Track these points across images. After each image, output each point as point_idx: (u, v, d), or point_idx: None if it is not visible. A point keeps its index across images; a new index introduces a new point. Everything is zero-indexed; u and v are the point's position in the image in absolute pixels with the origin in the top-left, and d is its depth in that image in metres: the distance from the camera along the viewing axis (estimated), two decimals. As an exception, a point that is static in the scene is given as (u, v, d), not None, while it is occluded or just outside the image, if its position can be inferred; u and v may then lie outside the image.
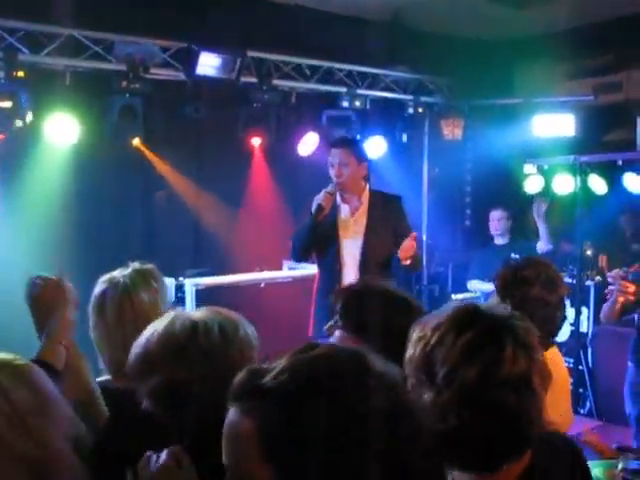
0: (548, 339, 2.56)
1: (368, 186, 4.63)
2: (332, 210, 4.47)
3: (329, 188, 4.42)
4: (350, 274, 4.41)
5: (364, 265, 4.45)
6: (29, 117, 4.89)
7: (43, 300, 1.94)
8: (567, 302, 6.38)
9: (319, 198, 4.40)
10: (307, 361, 1.07)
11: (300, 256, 4.59)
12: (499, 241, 6.60)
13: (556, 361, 2.68)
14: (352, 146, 4.62)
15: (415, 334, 1.40)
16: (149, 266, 2.26)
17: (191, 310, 1.75)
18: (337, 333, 2.14)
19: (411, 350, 1.39)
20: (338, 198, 4.52)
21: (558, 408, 2.35)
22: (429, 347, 1.35)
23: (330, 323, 2.21)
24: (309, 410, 1.02)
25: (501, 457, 1.34)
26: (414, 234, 4.34)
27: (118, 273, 2.22)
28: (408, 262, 4.29)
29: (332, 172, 4.45)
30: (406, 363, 1.39)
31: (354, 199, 4.55)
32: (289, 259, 6.18)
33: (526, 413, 1.31)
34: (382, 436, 1.03)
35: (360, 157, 4.56)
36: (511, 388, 1.29)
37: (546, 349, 2.29)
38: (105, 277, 2.24)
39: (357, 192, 4.55)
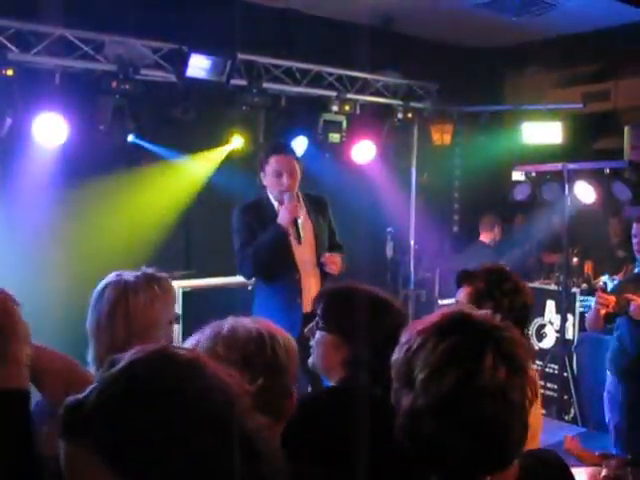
0: None
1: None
2: (273, 215, 4.32)
3: (289, 198, 4.26)
4: (309, 281, 4.32)
5: (321, 270, 4.37)
6: (17, 116, 4.89)
7: None
8: (553, 309, 6.55)
9: (289, 211, 4.22)
10: (113, 376, 1.08)
11: (261, 272, 4.34)
12: None
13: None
14: (294, 152, 4.55)
15: (402, 338, 1.38)
16: (159, 273, 2.26)
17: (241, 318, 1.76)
18: (318, 335, 2.20)
19: (395, 354, 1.37)
20: (276, 205, 4.36)
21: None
22: (411, 351, 1.32)
23: (310, 325, 2.26)
24: (120, 419, 1.03)
25: (479, 469, 1.30)
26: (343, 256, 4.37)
27: (127, 273, 2.24)
28: (333, 272, 4.30)
29: (281, 180, 4.27)
30: (392, 367, 1.38)
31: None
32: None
33: (504, 425, 1.27)
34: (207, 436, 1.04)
35: (299, 160, 4.46)
36: (489, 399, 1.26)
37: None
38: (114, 273, 2.25)
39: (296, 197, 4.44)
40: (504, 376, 1.27)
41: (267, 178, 4.34)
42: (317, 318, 2.23)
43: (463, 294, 2.61)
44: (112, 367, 1.10)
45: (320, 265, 4.37)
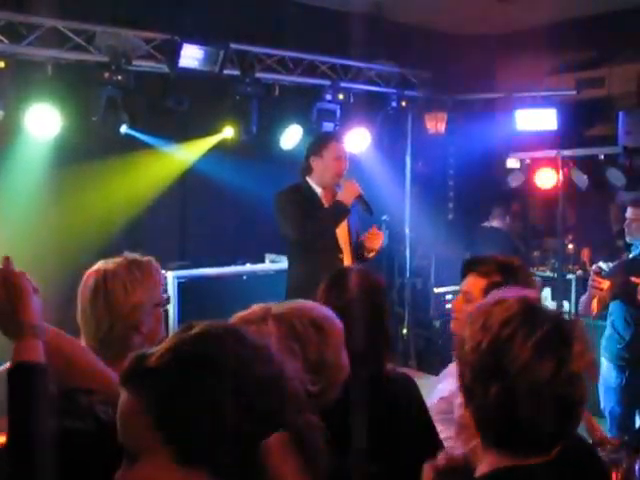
0: None
1: None
2: (317, 200, 4.54)
3: (348, 180, 4.51)
4: (348, 261, 4.51)
5: (354, 251, 4.59)
6: (10, 109, 4.89)
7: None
8: (548, 295, 6.56)
9: (352, 190, 4.44)
10: (187, 338, 1.17)
11: (311, 247, 4.45)
12: None
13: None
14: None
15: (477, 326, 1.46)
16: (141, 257, 2.24)
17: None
18: None
19: (473, 341, 1.45)
20: (318, 189, 4.58)
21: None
22: (500, 342, 1.42)
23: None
24: (192, 380, 1.12)
25: (553, 441, 1.45)
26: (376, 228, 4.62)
27: (109, 261, 2.21)
28: (371, 255, 4.55)
29: (341, 164, 4.53)
30: (466, 352, 1.46)
31: (332, 189, 4.65)
32: (271, 252, 6.27)
33: (581, 403, 1.44)
34: (264, 401, 1.14)
35: None
36: (578, 380, 1.42)
37: None
38: (96, 264, 2.24)
39: None
40: (589, 359, 1.44)
41: (322, 162, 4.53)
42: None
43: (475, 286, 2.58)
44: (187, 331, 1.19)
45: (354, 246, 4.58)
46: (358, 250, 4.61)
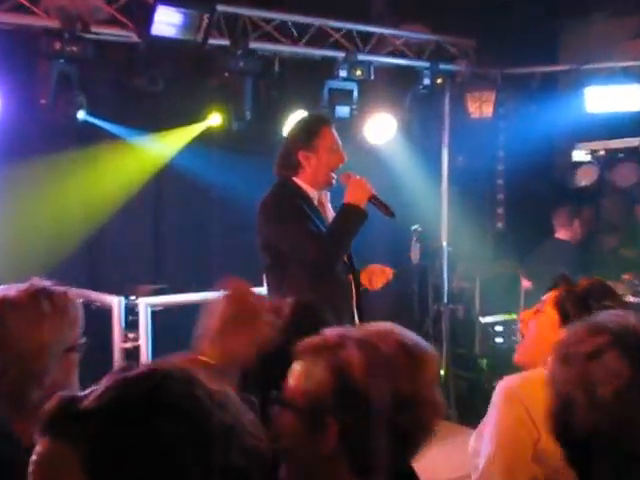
0: None
1: None
2: (315, 207, 4.42)
3: (345, 174, 4.39)
4: (352, 283, 4.46)
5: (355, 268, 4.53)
6: None
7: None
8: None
9: (362, 188, 4.31)
10: (131, 378, 1.22)
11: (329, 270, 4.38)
12: None
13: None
14: None
15: (570, 349, 1.63)
16: (53, 286, 2.21)
17: None
18: None
19: (563, 366, 1.62)
20: (312, 191, 4.43)
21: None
22: (593, 366, 1.57)
23: None
24: (142, 424, 1.16)
25: None
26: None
27: (11, 288, 2.19)
28: (375, 285, 4.50)
29: (338, 157, 4.41)
30: (558, 375, 1.63)
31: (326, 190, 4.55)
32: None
33: None
34: (226, 454, 1.20)
35: None
36: None
37: None
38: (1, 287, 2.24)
39: None
40: None
41: (316, 155, 4.38)
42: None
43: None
44: (126, 371, 1.24)
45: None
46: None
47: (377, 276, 4.47)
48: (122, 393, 1.19)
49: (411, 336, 1.88)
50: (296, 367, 1.81)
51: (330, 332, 1.86)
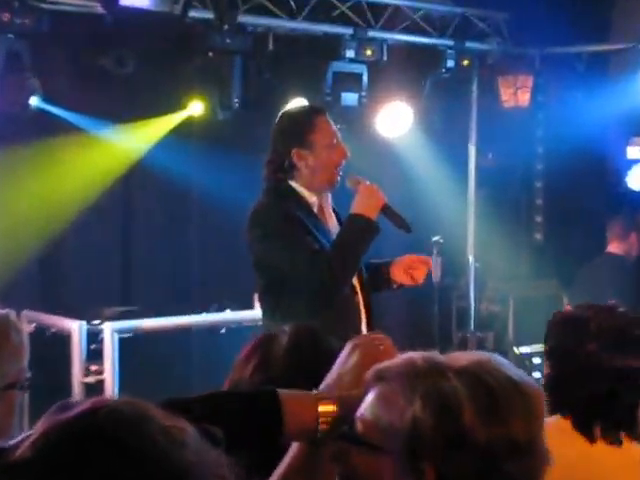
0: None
1: None
2: (316, 217, 4.37)
3: (353, 178, 4.36)
4: (360, 302, 4.41)
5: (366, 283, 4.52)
6: None
7: None
8: None
9: (374, 195, 4.28)
10: (75, 418, 1.20)
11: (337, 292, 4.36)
12: None
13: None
14: None
15: None
16: None
17: None
18: None
19: None
20: (311, 197, 4.36)
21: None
22: None
23: None
24: (78, 478, 1.14)
25: None
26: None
27: None
28: (416, 280, 4.49)
29: (340, 153, 4.34)
30: None
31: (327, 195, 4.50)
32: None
33: None
34: None
35: None
36: None
37: None
38: None
39: None
40: None
41: (313, 154, 4.29)
42: None
43: None
44: (65, 410, 1.21)
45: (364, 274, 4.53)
46: (374, 278, 4.52)
47: (420, 269, 4.43)
48: (60, 439, 1.16)
49: (513, 369, 1.76)
50: (375, 397, 1.68)
51: (411, 356, 1.73)
